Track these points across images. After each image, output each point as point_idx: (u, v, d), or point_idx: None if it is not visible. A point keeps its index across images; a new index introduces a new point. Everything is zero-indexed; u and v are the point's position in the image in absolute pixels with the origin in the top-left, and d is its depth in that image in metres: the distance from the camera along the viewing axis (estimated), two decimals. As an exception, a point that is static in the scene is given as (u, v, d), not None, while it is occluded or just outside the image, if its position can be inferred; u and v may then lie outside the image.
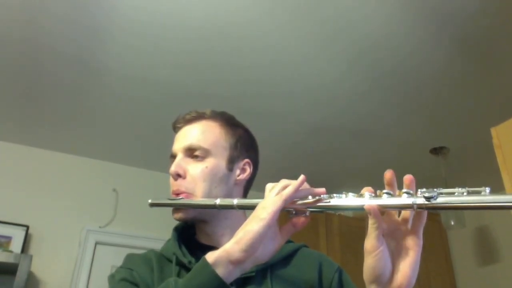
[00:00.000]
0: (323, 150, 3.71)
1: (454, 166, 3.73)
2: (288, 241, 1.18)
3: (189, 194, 1.12)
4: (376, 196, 0.85)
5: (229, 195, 1.16)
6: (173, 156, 1.20)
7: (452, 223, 3.68)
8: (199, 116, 1.22)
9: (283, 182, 0.92)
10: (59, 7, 2.35)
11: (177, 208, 1.14)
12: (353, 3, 2.30)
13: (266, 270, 1.09)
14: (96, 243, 3.68)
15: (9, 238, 3.30)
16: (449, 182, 3.66)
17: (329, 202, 0.88)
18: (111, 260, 3.67)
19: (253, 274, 1.07)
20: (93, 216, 3.73)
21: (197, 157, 1.15)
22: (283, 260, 1.14)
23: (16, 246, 3.29)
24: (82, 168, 3.87)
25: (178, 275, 1.08)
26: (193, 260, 1.09)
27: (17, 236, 3.33)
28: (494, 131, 2.13)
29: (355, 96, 3.05)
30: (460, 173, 3.92)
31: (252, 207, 0.95)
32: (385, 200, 0.83)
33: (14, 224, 3.36)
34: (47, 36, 2.55)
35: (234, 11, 2.36)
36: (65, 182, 3.75)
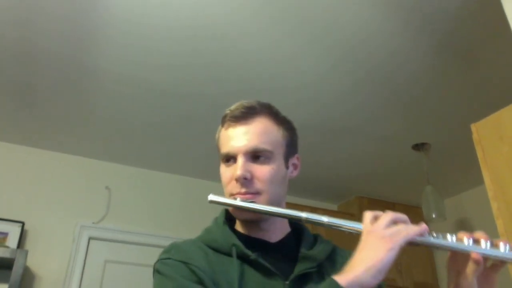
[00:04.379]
0: (306, 147, 3.64)
1: (435, 161, 3.79)
2: (314, 235, 1.23)
3: (256, 195, 1.09)
4: (476, 243, 0.93)
5: (285, 193, 1.18)
6: (229, 156, 1.14)
7: (434, 216, 3.69)
8: (251, 112, 1.16)
9: (391, 216, 0.96)
10: (53, 7, 2.37)
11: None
12: (336, 6, 2.36)
13: (321, 268, 1.10)
14: (90, 238, 3.73)
15: (5, 234, 3.34)
16: (430, 177, 3.75)
17: (434, 241, 0.94)
18: (104, 254, 3.76)
19: (314, 269, 1.09)
20: (86, 213, 3.78)
21: (260, 158, 1.11)
22: (328, 259, 1.15)
23: (12, 241, 3.33)
24: (76, 166, 3.91)
25: (242, 270, 1.05)
26: (254, 255, 1.06)
27: (13, 232, 3.37)
28: (474, 127, 2.13)
29: (339, 94, 3.08)
30: (441, 168, 3.97)
31: (343, 229, 1.01)
32: (489, 251, 0.91)
33: (10, 221, 3.40)
34: (41, 36, 2.58)
35: (223, 12, 2.42)
36: (59, 180, 3.80)
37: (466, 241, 0.92)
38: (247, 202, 1.08)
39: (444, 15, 2.42)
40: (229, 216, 1.19)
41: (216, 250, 1.09)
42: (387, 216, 0.95)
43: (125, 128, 3.54)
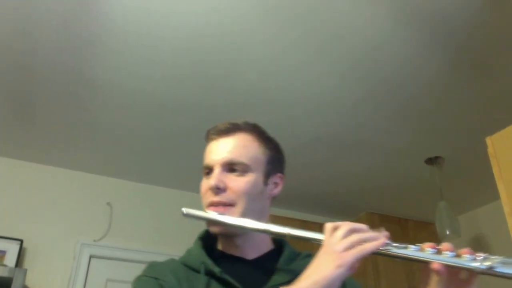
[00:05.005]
0: (314, 162, 3.68)
1: (449, 176, 3.72)
2: (300, 252, 1.22)
3: (229, 207, 1.13)
4: (439, 252, 0.90)
5: (263, 209, 1.19)
6: (208, 168, 1.20)
7: (448, 232, 3.60)
8: (234, 128, 1.21)
9: (349, 226, 0.94)
10: (54, 19, 2.34)
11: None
12: (346, 14, 2.30)
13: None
14: (91, 257, 3.66)
15: (3, 252, 3.28)
16: (444, 192, 3.67)
17: (394, 251, 0.92)
18: (106, 273, 3.68)
19: (287, 283, 1.03)
20: (87, 230, 3.72)
21: (236, 171, 1.16)
22: None
23: (10, 260, 3.27)
24: (76, 182, 3.86)
25: (208, 285, 1.08)
26: (221, 270, 1.09)
27: (11, 250, 3.31)
28: (489, 140, 2.13)
29: (349, 106, 3.04)
30: (455, 183, 3.90)
31: (305, 239, 1.01)
32: (451, 259, 0.89)
33: (8, 238, 3.33)
34: (40, 47, 2.54)
35: (229, 21, 2.37)
36: (59, 196, 3.74)
37: (429, 251, 0.91)
38: (217, 214, 1.11)
39: (458, 25, 2.36)
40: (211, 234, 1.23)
41: (189, 267, 1.13)
42: (344, 227, 0.94)
43: (127, 142, 3.49)
